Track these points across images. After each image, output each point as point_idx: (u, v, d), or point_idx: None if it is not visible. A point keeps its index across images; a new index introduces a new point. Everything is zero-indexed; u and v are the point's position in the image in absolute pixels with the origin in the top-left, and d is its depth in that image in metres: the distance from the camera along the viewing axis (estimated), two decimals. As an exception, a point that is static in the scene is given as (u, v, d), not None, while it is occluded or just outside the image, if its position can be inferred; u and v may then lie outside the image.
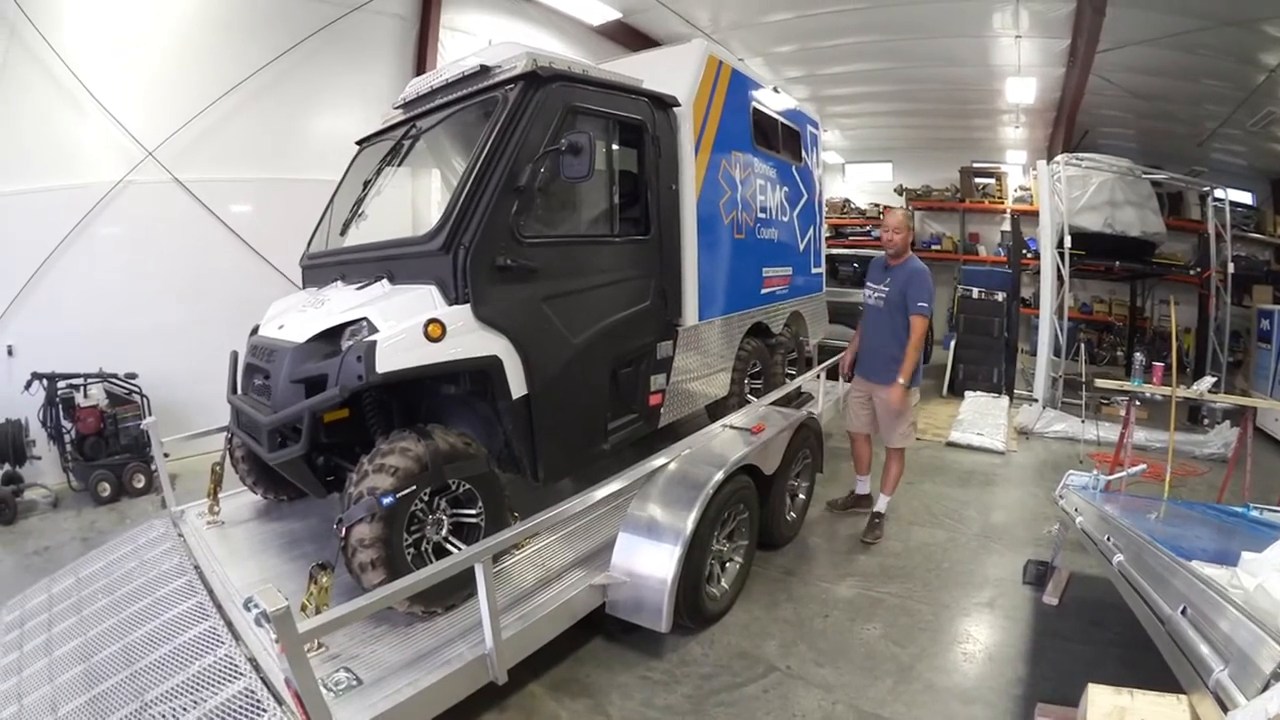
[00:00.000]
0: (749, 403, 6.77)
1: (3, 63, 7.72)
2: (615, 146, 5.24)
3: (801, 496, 6.47)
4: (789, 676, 4.38)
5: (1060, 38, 11.42)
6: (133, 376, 8.38)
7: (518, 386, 4.32)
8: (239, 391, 4.94)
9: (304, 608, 3.51)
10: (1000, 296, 12.54)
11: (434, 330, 3.89)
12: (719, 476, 4.80)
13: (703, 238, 5.83)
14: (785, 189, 7.47)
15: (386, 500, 3.65)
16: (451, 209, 4.14)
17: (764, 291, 7.08)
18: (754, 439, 5.45)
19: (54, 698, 3.64)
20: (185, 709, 3.26)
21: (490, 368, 4.20)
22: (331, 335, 4.08)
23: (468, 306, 4.09)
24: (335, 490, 4.36)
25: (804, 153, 8.20)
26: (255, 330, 4.93)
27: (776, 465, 5.67)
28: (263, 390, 4.44)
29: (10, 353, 7.96)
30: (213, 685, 3.36)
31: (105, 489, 7.80)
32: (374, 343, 3.72)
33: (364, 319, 3.99)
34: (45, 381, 7.74)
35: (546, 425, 4.53)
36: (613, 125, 5.13)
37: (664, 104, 5.51)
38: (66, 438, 7.86)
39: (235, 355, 5.08)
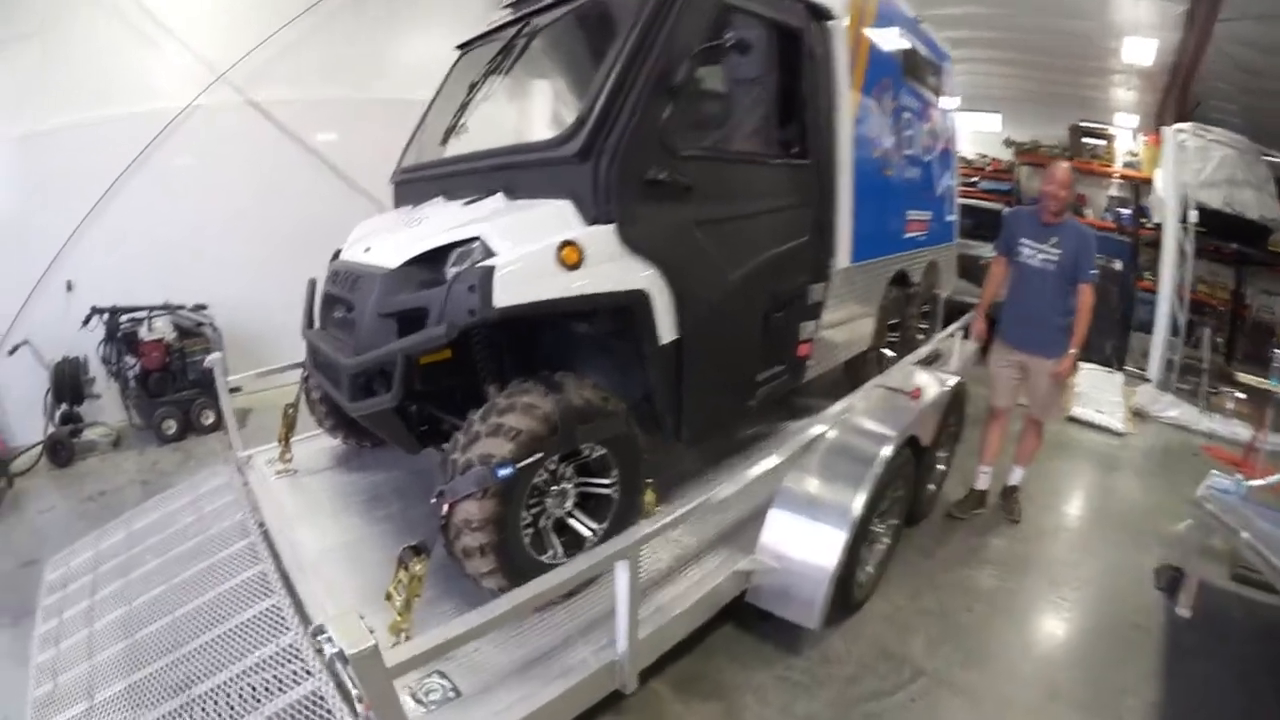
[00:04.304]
0: (886, 358, 5.95)
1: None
2: (773, 54, 4.23)
3: (941, 467, 5.63)
4: (936, 682, 3.85)
5: (1178, 2, 10.35)
6: (202, 308, 7.67)
7: (667, 329, 3.40)
8: (316, 326, 4.08)
9: (389, 596, 2.84)
10: (1119, 265, 11.49)
11: (569, 255, 3.00)
12: (889, 450, 4.04)
13: (857, 169, 4.81)
14: (927, 126, 6.44)
15: (504, 472, 2.82)
16: (591, 108, 3.20)
17: (906, 236, 6.07)
18: (913, 405, 4.62)
19: (90, 680, 3.12)
20: (239, 714, 2.65)
21: (636, 304, 3.27)
22: (433, 259, 3.20)
23: (612, 227, 3.17)
24: (429, 444, 3.60)
25: (943, 90, 7.12)
26: (337, 255, 4.06)
27: (933, 435, 4.89)
28: (344, 325, 3.59)
29: (69, 288, 7.29)
30: (273, 684, 2.72)
31: (170, 426, 7.21)
32: (491, 269, 2.84)
33: (477, 239, 3.09)
34: (105, 316, 7.11)
35: (696, 376, 3.64)
36: (769, 30, 4.10)
37: (820, 14, 4.44)
38: (129, 374, 7.22)
39: (313, 284, 4.20)
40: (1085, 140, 14.78)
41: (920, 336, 6.58)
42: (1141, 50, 11.78)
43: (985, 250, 8.19)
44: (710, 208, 3.63)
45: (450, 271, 3.06)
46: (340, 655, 1.91)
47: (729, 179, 3.86)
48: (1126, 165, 14.40)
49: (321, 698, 2.55)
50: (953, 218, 7.43)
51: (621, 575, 2.80)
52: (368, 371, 3.25)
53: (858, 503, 3.76)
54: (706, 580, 3.57)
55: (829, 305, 4.72)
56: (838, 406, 4.44)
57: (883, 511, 4.35)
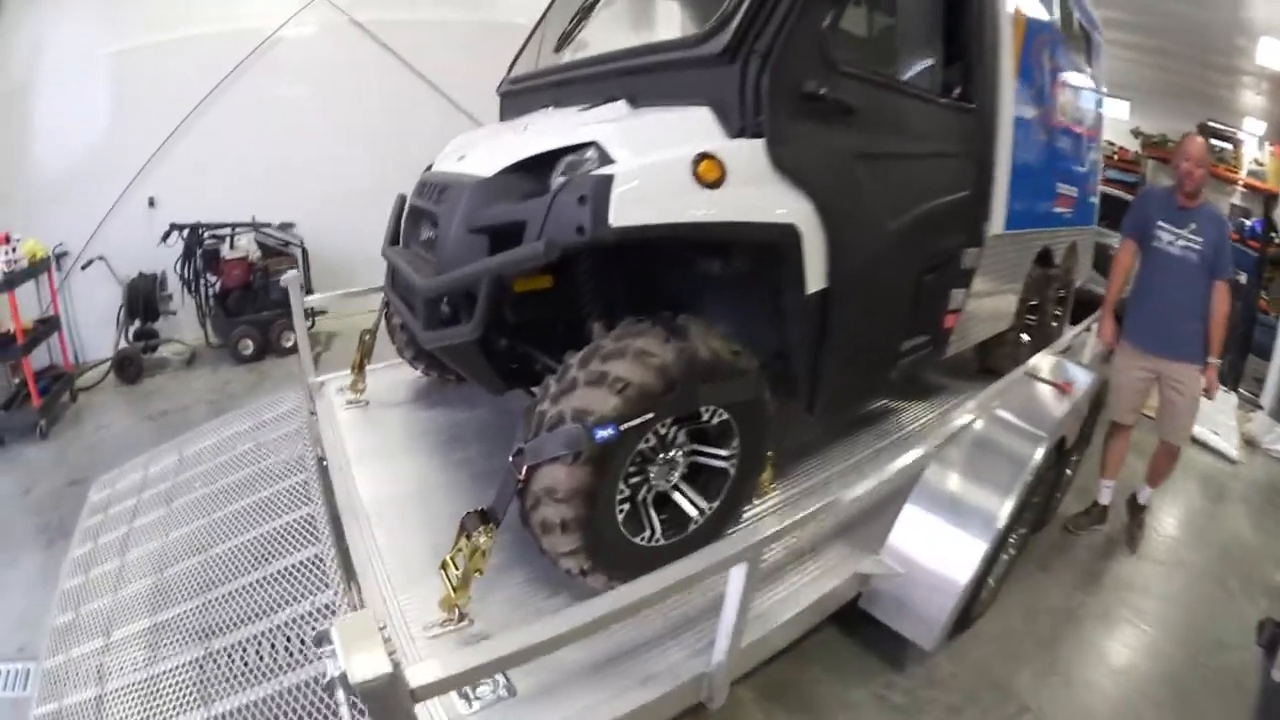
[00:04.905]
0: (1022, 343, 5.13)
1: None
2: None
3: (1068, 472, 4.90)
4: (1040, 722, 3.32)
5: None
6: (288, 226, 7.37)
7: (816, 276, 2.69)
8: (400, 244, 3.49)
9: (444, 566, 2.34)
10: (1243, 277, 10.39)
11: (708, 170, 2.32)
12: (1042, 451, 3.41)
13: (1016, 127, 4.06)
14: (1078, 96, 5.60)
15: (603, 433, 2.18)
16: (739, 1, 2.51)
17: (1055, 211, 5.25)
18: (1064, 401, 3.91)
19: (111, 615, 2.86)
20: (256, 676, 2.27)
21: (784, 242, 2.57)
22: (537, 168, 2.58)
23: (760, 143, 2.47)
24: (518, 384, 3.11)
25: (1093, 63, 6.34)
26: (430, 169, 3.46)
27: (1075, 437, 4.23)
28: (429, 243, 3.01)
29: (152, 204, 7.07)
30: (302, 648, 2.31)
31: (247, 346, 6.95)
32: (609, 178, 2.20)
33: (592, 144, 2.45)
34: (184, 232, 6.84)
35: (841, 336, 2.93)
36: None
37: None
38: (209, 291, 6.99)
39: (402, 199, 3.59)
40: (1213, 141, 13.83)
41: (1054, 324, 5.83)
42: (1274, 53, 10.98)
43: (1115, 240, 7.55)
44: (873, 139, 2.94)
45: (557, 181, 2.43)
46: (343, 680, 1.32)
47: (894, 110, 3.17)
48: (1250, 174, 13.53)
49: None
50: (1094, 199, 6.60)
51: (737, 579, 2.19)
52: (450, 296, 2.67)
53: (1005, 510, 3.12)
54: (821, 581, 2.93)
55: (977, 276, 4.02)
56: (987, 393, 3.79)
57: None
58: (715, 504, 2.65)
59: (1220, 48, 11.78)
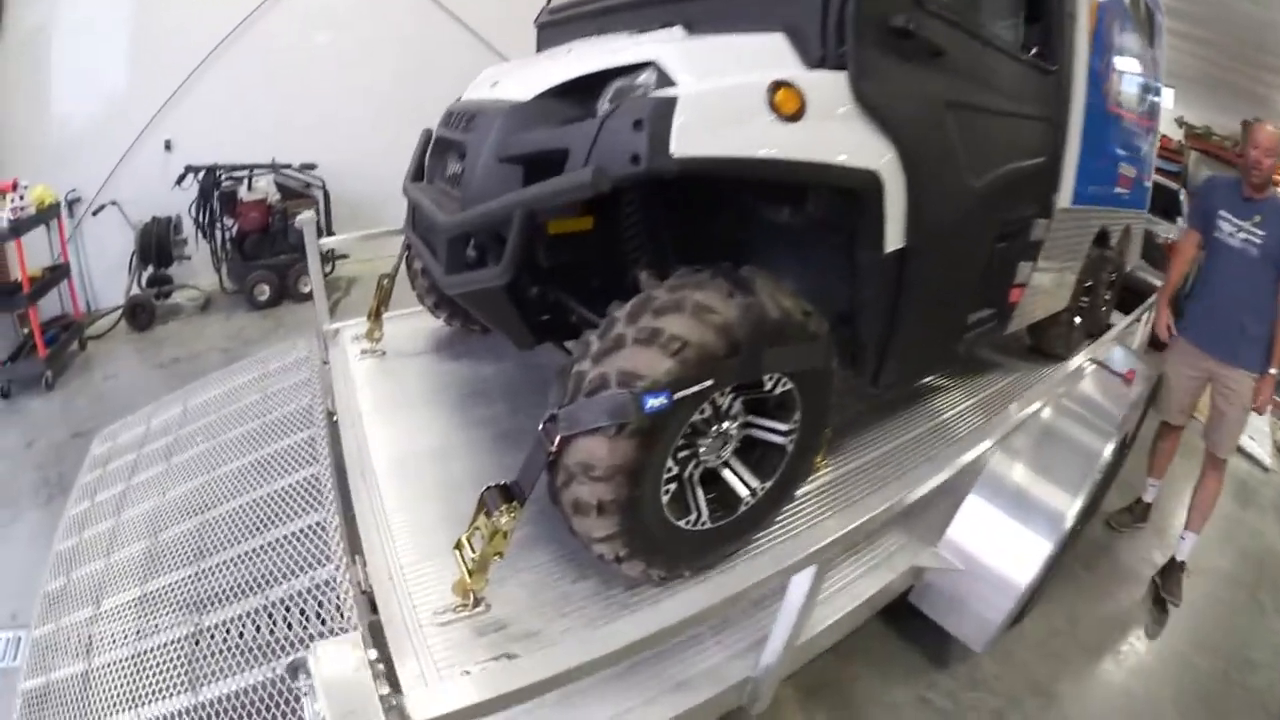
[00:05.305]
0: (1075, 326, 4.74)
1: None
2: None
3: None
4: (1082, 735, 3.26)
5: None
6: (310, 167, 7.10)
7: (895, 233, 2.31)
8: (423, 180, 3.09)
9: (459, 547, 2.00)
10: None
11: (786, 100, 1.95)
12: (1112, 446, 3.23)
13: (1089, 97, 3.73)
14: (1143, 75, 5.26)
15: (654, 402, 1.80)
16: None
17: (1116, 190, 4.86)
18: (1128, 392, 3.68)
19: (102, 581, 2.65)
20: (246, 659, 2.01)
21: (864, 190, 2.19)
22: (581, 94, 2.20)
23: (843, 76, 2.10)
24: (549, 338, 2.75)
25: (1154, 44, 5.92)
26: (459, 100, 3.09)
27: (1134, 431, 3.98)
28: (456, 179, 2.58)
29: (168, 147, 6.80)
30: (297, 628, 2.05)
31: (264, 292, 6.74)
32: (672, 100, 1.83)
33: (650, 64, 2.06)
34: (200, 174, 6.57)
35: (916, 301, 2.56)
36: None
37: None
38: (226, 235, 6.76)
39: (428, 134, 3.16)
40: (1257, 140, 13.49)
41: (1103, 308, 5.48)
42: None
43: (1161, 228, 7.60)
44: (960, 87, 2.58)
45: (604, 107, 2.07)
46: None
47: (981, 60, 2.81)
48: (1290, 178, 13.02)
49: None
50: (1149, 183, 6.17)
51: (802, 583, 1.90)
52: (476, 235, 2.30)
53: (1073, 510, 2.87)
54: (876, 575, 2.65)
55: (1042, 250, 3.67)
56: (1053, 380, 3.55)
57: (1078, 517, 3.48)
58: (769, 483, 2.31)
59: (1272, 47, 11.54)
